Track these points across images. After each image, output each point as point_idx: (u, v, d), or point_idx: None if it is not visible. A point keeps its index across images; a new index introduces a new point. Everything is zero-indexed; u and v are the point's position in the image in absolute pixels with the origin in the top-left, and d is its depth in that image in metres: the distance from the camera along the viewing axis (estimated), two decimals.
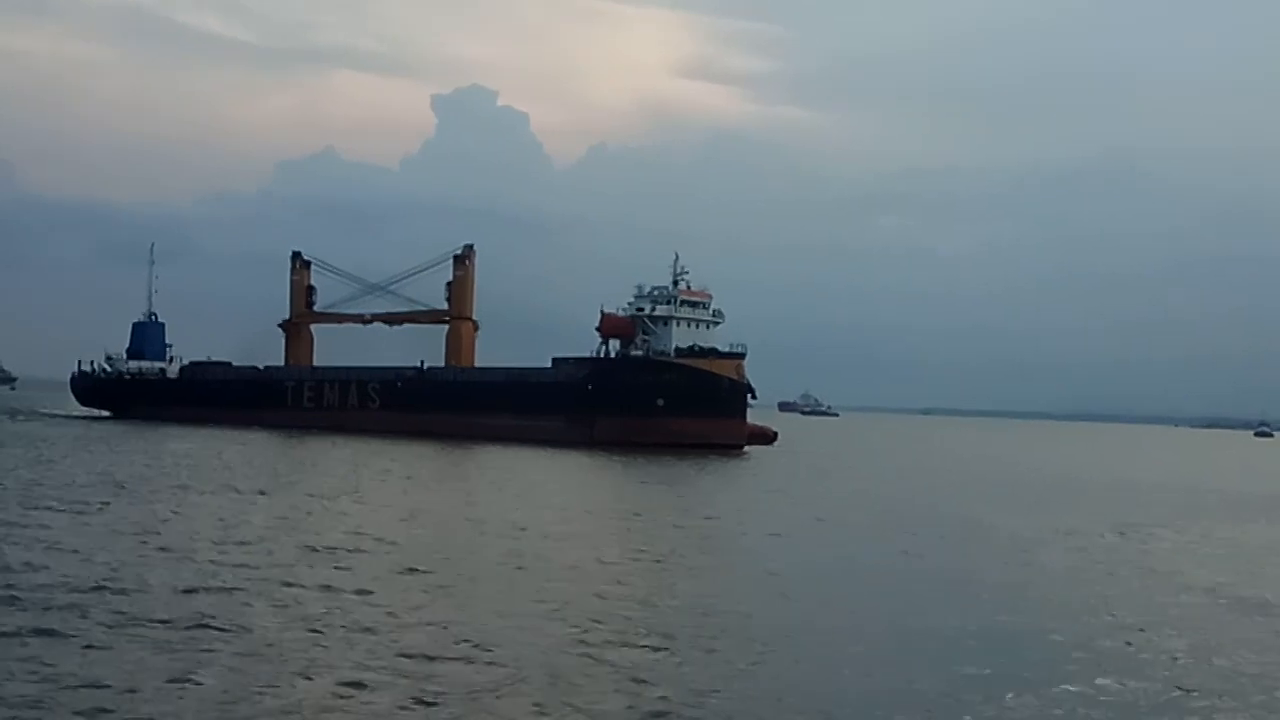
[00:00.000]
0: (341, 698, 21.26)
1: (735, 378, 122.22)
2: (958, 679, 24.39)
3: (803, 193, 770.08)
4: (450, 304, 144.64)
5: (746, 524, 53.95)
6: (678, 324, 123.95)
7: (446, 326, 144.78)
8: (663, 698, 22.18)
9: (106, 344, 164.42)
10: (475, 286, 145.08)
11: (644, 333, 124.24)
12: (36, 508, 45.85)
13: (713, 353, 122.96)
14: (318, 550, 38.04)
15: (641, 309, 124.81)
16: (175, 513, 46.56)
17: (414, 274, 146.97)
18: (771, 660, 25.97)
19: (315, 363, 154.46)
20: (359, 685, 21.99)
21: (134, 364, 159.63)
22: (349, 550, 38.35)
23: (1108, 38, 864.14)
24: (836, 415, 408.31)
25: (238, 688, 21.49)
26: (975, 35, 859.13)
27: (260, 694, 21.22)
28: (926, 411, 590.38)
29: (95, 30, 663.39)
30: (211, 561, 34.72)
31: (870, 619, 30.96)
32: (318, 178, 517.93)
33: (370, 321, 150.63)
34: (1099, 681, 24.48)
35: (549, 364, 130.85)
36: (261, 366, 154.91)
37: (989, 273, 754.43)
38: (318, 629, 26.41)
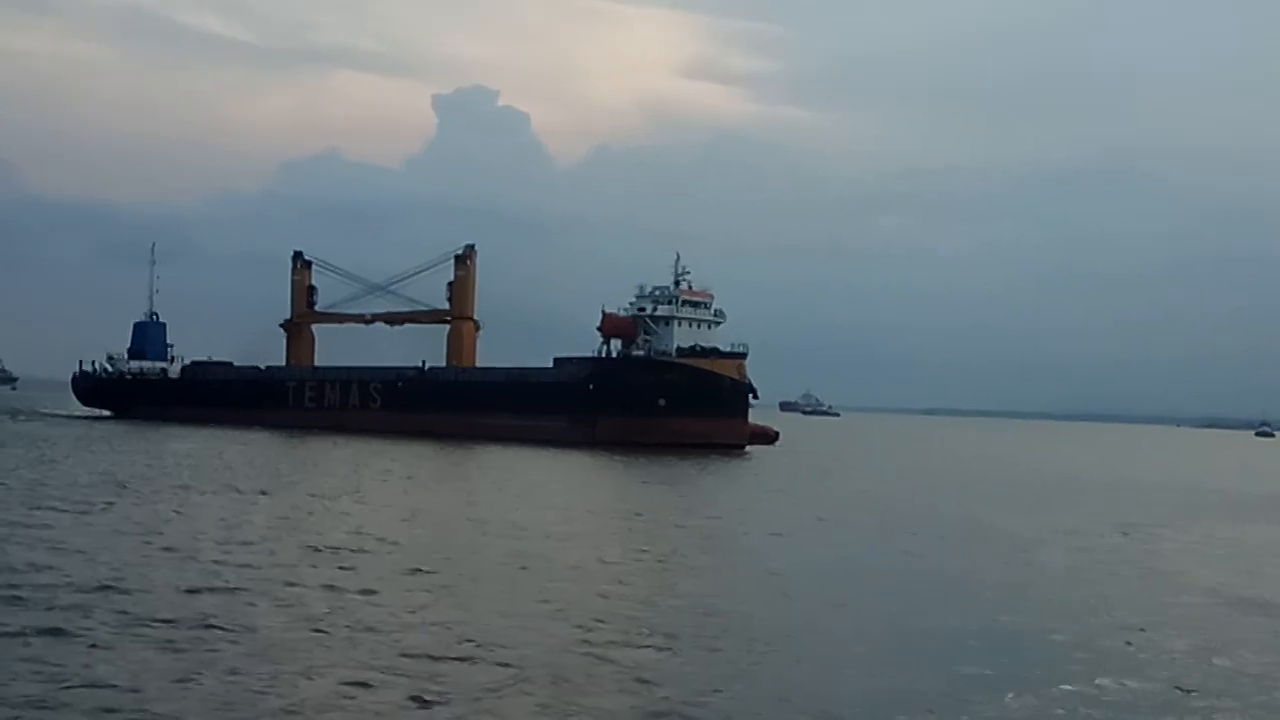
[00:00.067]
0: (346, 697, 21.32)
1: (737, 378, 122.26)
2: (959, 679, 24.46)
3: (803, 193, 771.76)
4: (452, 304, 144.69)
5: (748, 524, 54.00)
6: (679, 324, 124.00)
7: (448, 326, 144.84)
8: (666, 698, 22.25)
9: (108, 344, 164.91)
10: (477, 286, 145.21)
11: (645, 333, 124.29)
12: (40, 508, 45.93)
13: (714, 353, 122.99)
14: (320, 550, 38.10)
15: (643, 309, 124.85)
16: (178, 513, 46.63)
17: (415, 274, 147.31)
18: (774, 660, 26.05)
19: (317, 363, 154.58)
20: (363, 685, 22.06)
21: (135, 364, 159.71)
22: (352, 550, 38.41)
23: (1108, 38, 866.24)
24: (838, 415, 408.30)
25: (242, 688, 21.56)
26: (975, 35, 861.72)
27: (264, 693, 21.28)
28: (929, 412, 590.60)
29: (96, 30, 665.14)
30: (214, 561, 34.79)
31: (872, 619, 31.01)
32: (320, 178, 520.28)
33: (371, 321, 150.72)
34: (1099, 681, 24.53)
35: (550, 364, 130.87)
36: (263, 366, 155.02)
37: (989, 273, 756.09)
38: (321, 629, 26.48)
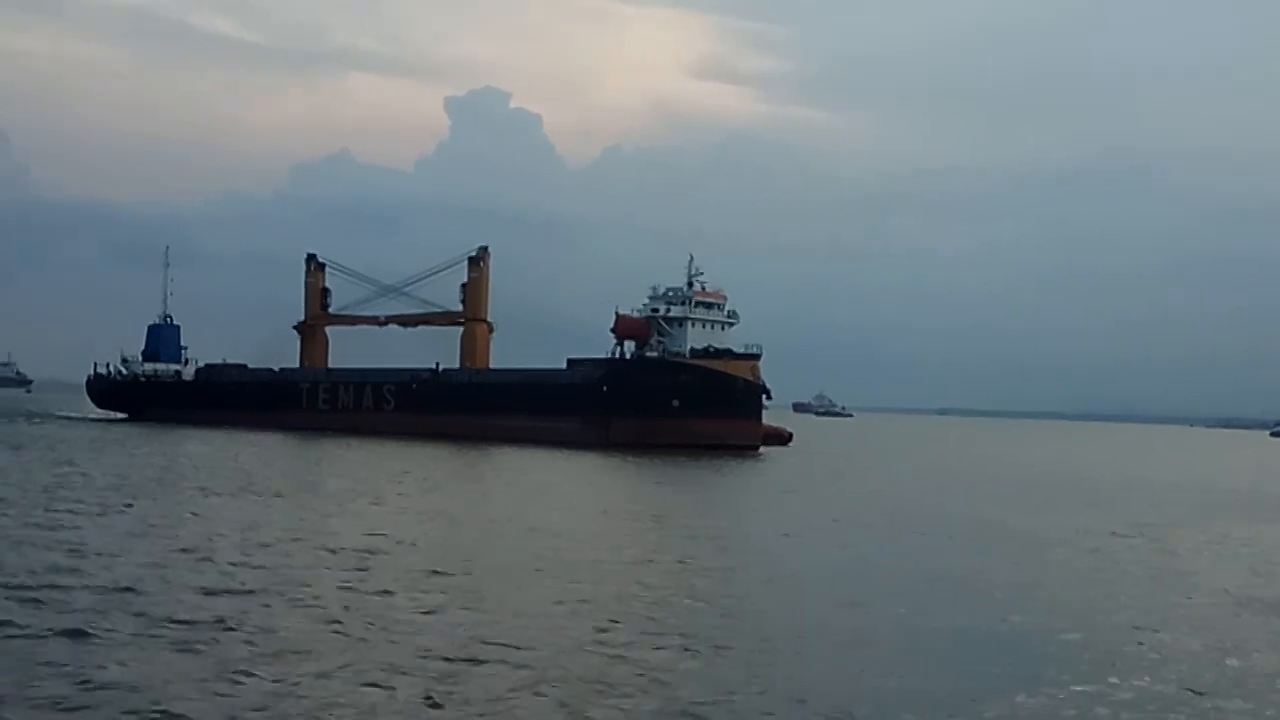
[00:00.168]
0: (364, 698, 21.45)
1: (750, 378, 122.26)
2: (971, 679, 24.55)
3: (807, 193, 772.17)
4: (465, 306, 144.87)
5: (763, 525, 54.12)
6: (693, 325, 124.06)
7: (461, 328, 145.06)
8: (684, 699, 22.34)
9: (120, 346, 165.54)
10: (490, 288, 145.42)
11: (659, 334, 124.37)
12: (58, 510, 46.20)
13: (728, 353, 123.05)
14: (336, 552, 38.28)
15: (656, 310, 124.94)
16: (194, 515, 46.84)
17: (429, 276, 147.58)
18: (790, 661, 26.16)
19: (330, 364, 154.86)
20: (381, 686, 22.20)
21: (149, 366, 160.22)
22: (368, 552, 38.53)
23: (1108, 37, 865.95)
24: (850, 416, 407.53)
25: (261, 689, 21.71)
26: (975, 35, 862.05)
27: (283, 694, 21.43)
28: (942, 412, 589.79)
29: (104, 31, 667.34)
30: (232, 563, 34.96)
31: (885, 619, 31.05)
32: (332, 179, 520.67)
33: (385, 323, 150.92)
34: (1111, 681, 24.61)
35: (564, 365, 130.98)
36: (277, 368, 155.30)
37: (990, 273, 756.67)
38: (339, 630, 26.64)
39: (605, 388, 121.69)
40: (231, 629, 26.17)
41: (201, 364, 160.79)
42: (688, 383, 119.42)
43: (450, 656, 24.61)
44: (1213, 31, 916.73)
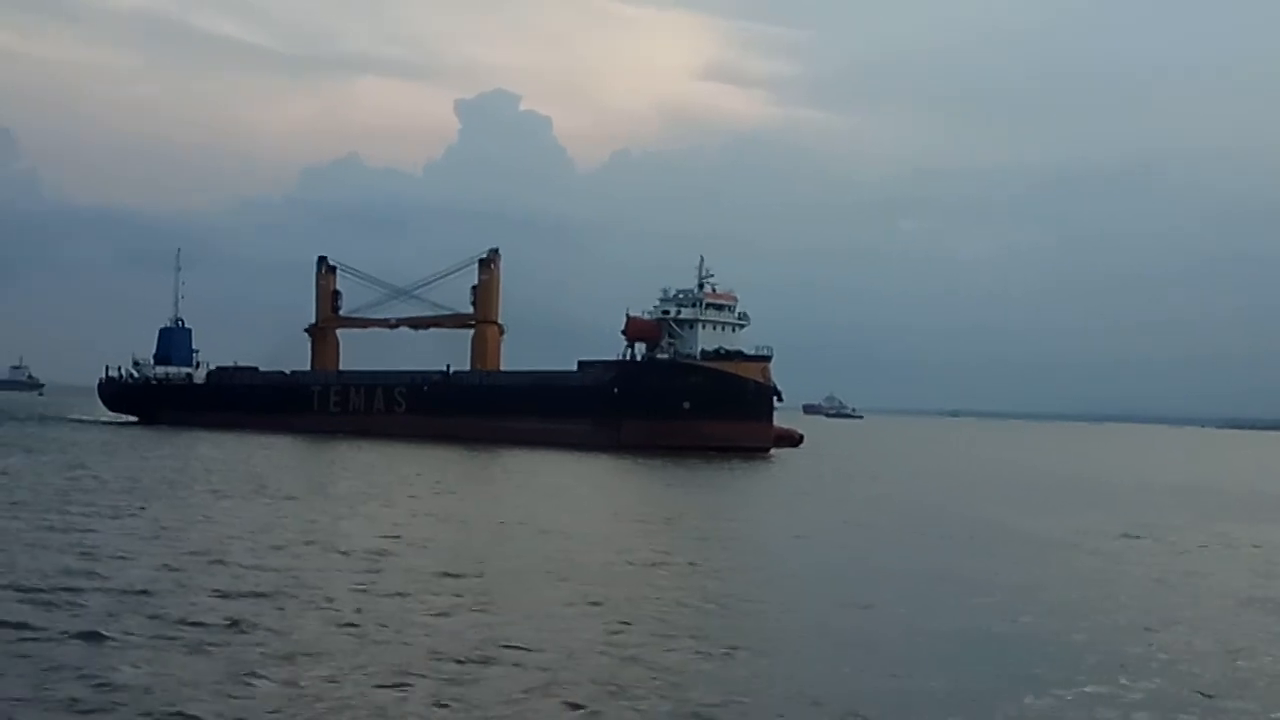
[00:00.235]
0: (377, 699, 21.49)
1: (761, 380, 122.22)
2: (980, 680, 24.63)
3: (823, 196, 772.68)
4: (476, 308, 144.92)
5: (775, 527, 54.20)
6: (703, 327, 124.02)
7: (472, 331, 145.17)
8: (696, 700, 22.39)
9: (132, 350, 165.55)
10: (501, 290, 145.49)
11: (670, 336, 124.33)
12: (72, 513, 46.34)
13: (738, 355, 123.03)
14: (349, 554, 38.37)
15: (667, 312, 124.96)
16: (208, 517, 46.95)
17: (439, 278, 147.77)
18: (803, 662, 26.23)
19: (341, 367, 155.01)
20: (394, 687, 22.24)
21: (161, 369, 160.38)
22: (380, 554, 38.64)
23: (1108, 38, 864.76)
24: (861, 418, 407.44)
25: (276, 690, 21.79)
26: (984, 38, 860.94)
27: (298, 696, 21.50)
28: (952, 413, 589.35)
29: (119, 37, 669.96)
30: (246, 566, 35.03)
31: (896, 621, 31.06)
32: (342, 183, 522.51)
33: (396, 326, 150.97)
34: (1120, 682, 24.63)
35: (574, 367, 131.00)
36: (288, 371, 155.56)
37: (1007, 275, 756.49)
38: (352, 632, 26.70)
39: (616, 390, 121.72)
40: (245, 631, 26.24)
41: (213, 367, 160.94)
42: (698, 385, 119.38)
43: (463, 658, 24.65)
44: (1213, 31, 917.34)
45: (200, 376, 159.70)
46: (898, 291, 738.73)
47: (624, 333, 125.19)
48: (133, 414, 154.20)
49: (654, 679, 23.63)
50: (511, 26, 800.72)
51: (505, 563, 38.43)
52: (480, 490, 69.23)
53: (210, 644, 24.96)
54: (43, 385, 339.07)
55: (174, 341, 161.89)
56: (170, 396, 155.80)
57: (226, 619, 27.18)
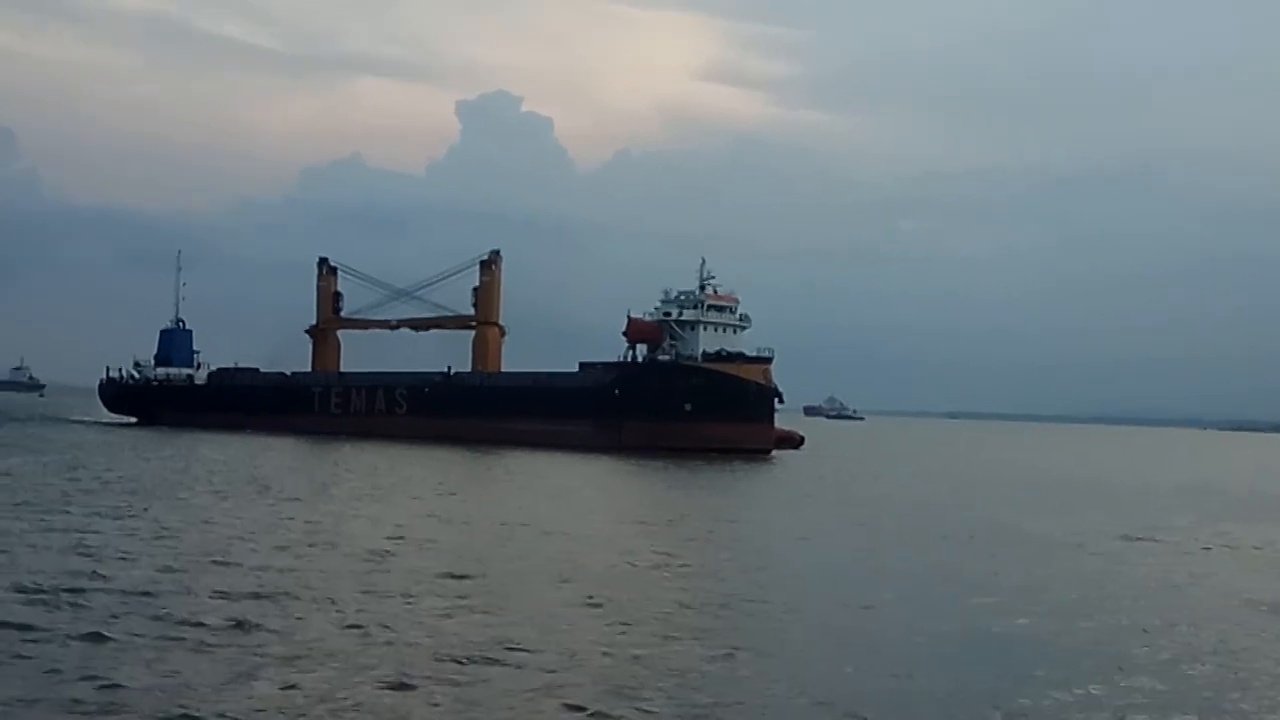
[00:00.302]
0: (383, 700, 21.49)
1: (762, 382, 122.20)
2: (984, 680, 24.67)
3: (823, 196, 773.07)
4: (477, 309, 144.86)
5: (777, 528, 54.15)
6: (704, 328, 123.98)
7: (473, 332, 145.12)
8: (700, 701, 22.43)
9: (133, 351, 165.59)
10: (502, 292, 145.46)
11: (671, 337, 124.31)
12: (77, 514, 46.37)
13: (740, 357, 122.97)
14: (353, 555, 38.39)
15: (668, 314, 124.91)
16: (211, 519, 46.90)
17: (440, 279, 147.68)
18: (808, 663, 26.25)
19: (342, 368, 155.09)
20: (399, 688, 22.25)
21: (162, 370, 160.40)
22: (384, 555, 38.70)
23: (1108, 38, 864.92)
24: (862, 419, 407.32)
25: (279, 691, 21.80)
26: (989, 39, 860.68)
27: (303, 696, 21.49)
28: (953, 415, 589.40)
29: (120, 37, 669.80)
30: (250, 567, 35.05)
31: (900, 622, 31.09)
32: (343, 184, 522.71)
33: (397, 327, 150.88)
34: (1123, 682, 24.68)
35: (576, 369, 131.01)
36: (289, 373, 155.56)
37: (1008, 276, 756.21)
38: (356, 633, 26.70)
39: (617, 391, 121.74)
40: (248, 632, 26.26)
41: (213, 368, 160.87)
42: (699, 386, 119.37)
43: (466, 659, 24.66)
44: (1213, 31, 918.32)
45: (201, 377, 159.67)
46: (897, 292, 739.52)
47: (625, 334, 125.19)
48: (133, 415, 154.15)
49: (657, 680, 23.64)
50: (512, 27, 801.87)
51: (508, 564, 38.43)
52: (482, 491, 69.23)
53: (214, 645, 24.97)
54: (43, 386, 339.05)
55: (175, 342, 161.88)
56: (171, 397, 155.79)
57: (230, 620, 27.18)
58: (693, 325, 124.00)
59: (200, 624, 26.71)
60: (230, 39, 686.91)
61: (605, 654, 25.76)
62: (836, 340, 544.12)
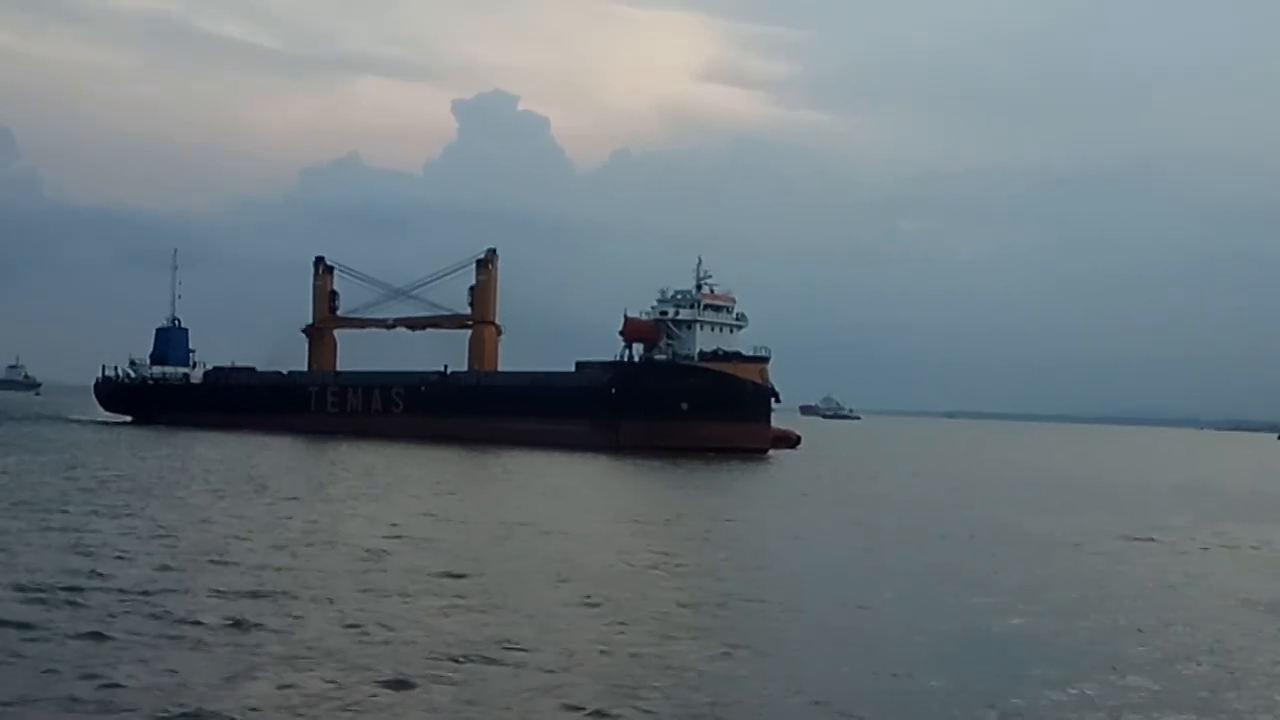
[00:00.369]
0: (382, 699, 21.50)
1: (759, 381, 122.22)
2: (983, 679, 24.67)
3: (823, 196, 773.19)
4: (473, 309, 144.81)
5: (773, 527, 54.26)
6: (701, 328, 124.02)
7: (470, 331, 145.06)
8: (699, 700, 22.45)
9: (130, 349, 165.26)
10: (498, 291, 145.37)
11: (668, 337, 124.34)
12: (73, 512, 46.42)
13: (736, 357, 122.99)
14: (351, 554, 38.41)
15: (665, 313, 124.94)
16: (209, 518, 46.88)
17: (437, 279, 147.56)
18: (805, 662, 26.30)
19: (339, 368, 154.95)
20: (397, 686, 22.26)
21: (158, 369, 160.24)
22: (382, 554, 38.70)
23: (1108, 38, 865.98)
24: (859, 419, 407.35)
25: (278, 690, 21.80)
26: (984, 38, 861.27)
27: (302, 695, 21.51)
28: (950, 415, 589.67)
29: (119, 37, 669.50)
30: (247, 566, 35.04)
31: (897, 621, 31.12)
32: (341, 183, 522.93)
33: (393, 326, 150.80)
34: (1121, 682, 24.69)
35: (572, 368, 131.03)
36: (285, 372, 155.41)
37: (1008, 276, 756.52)
38: (354, 632, 26.69)
39: (614, 390, 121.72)
40: (246, 631, 26.27)
41: (210, 367, 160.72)
42: (696, 386, 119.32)
43: (463, 658, 24.67)
44: (1213, 31, 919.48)
45: (197, 376, 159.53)
46: (897, 292, 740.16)
47: (622, 333, 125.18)
48: (129, 414, 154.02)
49: (655, 679, 23.64)
50: (510, 27, 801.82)
51: (505, 563, 38.44)
52: (479, 491, 69.21)
53: (212, 644, 25.00)
54: (39, 385, 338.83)
55: (171, 341, 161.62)
56: (167, 396, 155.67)
57: (228, 619, 27.18)
58: (689, 324, 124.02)
59: (198, 623, 26.72)
60: (230, 39, 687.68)
61: (603, 653, 25.79)
62: (836, 340, 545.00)
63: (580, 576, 35.76)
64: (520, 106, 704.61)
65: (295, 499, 55.75)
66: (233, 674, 22.56)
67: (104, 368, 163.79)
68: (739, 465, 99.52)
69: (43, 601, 28.48)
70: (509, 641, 26.14)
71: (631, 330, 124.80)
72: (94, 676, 22.06)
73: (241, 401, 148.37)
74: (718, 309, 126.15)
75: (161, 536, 40.71)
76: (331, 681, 22.31)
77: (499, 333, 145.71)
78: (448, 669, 23.66)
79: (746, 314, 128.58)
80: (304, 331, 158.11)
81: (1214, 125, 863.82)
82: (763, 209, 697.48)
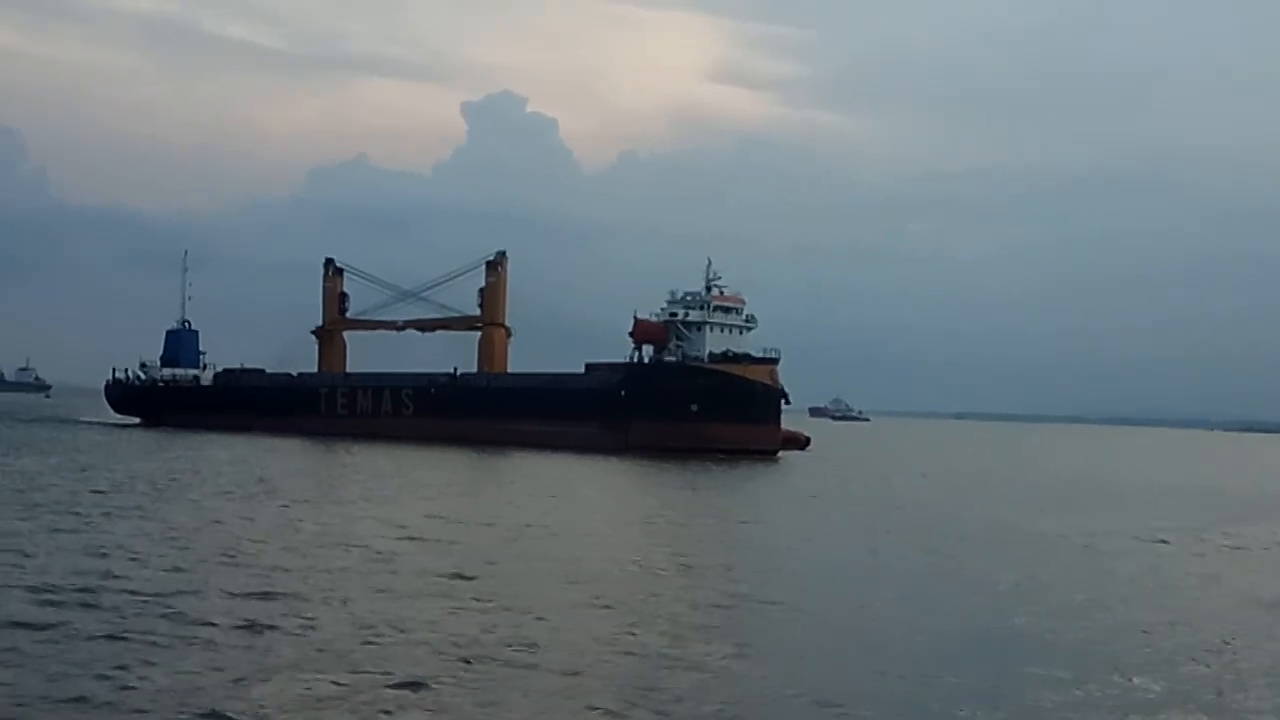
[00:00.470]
0: (396, 700, 21.58)
1: (769, 383, 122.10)
2: (984, 679, 24.75)
3: (827, 196, 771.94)
4: (483, 310, 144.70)
5: (785, 529, 54.33)
6: (711, 329, 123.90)
7: (479, 333, 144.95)
8: (710, 699, 22.55)
9: (139, 351, 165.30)
10: (508, 292, 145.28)
11: (677, 338, 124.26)
12: (86, 514, 46.56)
13: (746, 358, 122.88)
14: (363, 556, 38.53)
15: (675, 314, 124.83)
16: (221, 519, 47.00)
17: (447, 280, 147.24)
18: (816, 662, 26.36)
19: (348, 369, 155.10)
20: (410, 687, 22.37)
21: (168, 371, 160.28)
22: (394, 555, 38.81)
23: (1108, 38, 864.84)
24: (867, 420, 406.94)
25: (292, 690, 21.93)
26: (991, 38, 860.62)
27: (315, 695, 21.63)
28: (959, 416, 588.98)
29: (125, 38, 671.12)
30: (260, 567, 35.22)
31: (909, 622, 31.20)
32: (350, 184, 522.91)
33: (403, 328, 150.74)
34: (1128, 682, 24.77)
35: (582, 370, 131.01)
36: (295, 373, 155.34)
37: (1010, 276, 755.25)
38: (367, 633, 26.79)
39: (623, 392, 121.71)
40: (260, 632, 26.40)
41: (220, 369, 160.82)
42: (706, 387, 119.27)
43: (478, 659, 24.76)
44: (1213, 31, 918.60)
45: (207, 378, 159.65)
46: (899, 292, 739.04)
47: (631, 335, 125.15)
48: (140, 416, 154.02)
49: (667, 680, 23.75)
50: (514, 27, 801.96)
51: (517, 565, 38.51)
52: (489, 493, 69.28)
53: (224, 645, 25.11)
54: (50, 387, 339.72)
55: (181, 343, 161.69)
56: (177, 398, 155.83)
57: (240, 620, 27.32)
58: (699, 326, 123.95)
59: (211, 624, 26.86)
60: (234, 39, 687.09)
61: (615, 654, 25.89)
62: (839, 340, 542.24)
63: (591, 578, 35.84)
64: (529, 108, 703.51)
65: (306, 501, 55.88)
66: (246, 675, 22.67)
67: (114, 370, 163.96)
68: (749, 467, 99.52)
69: (56, 603, 28.60)
70: (521, 643, 26.24)
71: (641, 332, 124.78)
72: (107, 678, 22.18)
73: (251, 403, 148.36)
74: (727, 310, 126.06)
75: (174, 538, 40.85)
76: (344, 684, 22.40)
77: (508, 334, 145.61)
78: (460, 670, 23.75)
79: (755, 315, 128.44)
80: (313, 333, 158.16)
81: (1214, 125, 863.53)
82: (767, 209, 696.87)
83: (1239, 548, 52.29)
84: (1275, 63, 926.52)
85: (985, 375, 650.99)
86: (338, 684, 22.30)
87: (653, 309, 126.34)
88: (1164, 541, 52.54)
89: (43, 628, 25.79)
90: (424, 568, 36.50)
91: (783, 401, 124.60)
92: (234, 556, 37.06)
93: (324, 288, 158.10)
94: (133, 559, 35.67)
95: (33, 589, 30.10)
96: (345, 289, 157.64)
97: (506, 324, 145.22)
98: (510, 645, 25.96)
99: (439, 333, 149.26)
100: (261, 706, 20.75)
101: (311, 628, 27.01)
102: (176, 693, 21.34)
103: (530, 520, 50.73)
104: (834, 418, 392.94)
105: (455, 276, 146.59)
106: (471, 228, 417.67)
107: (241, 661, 23.70)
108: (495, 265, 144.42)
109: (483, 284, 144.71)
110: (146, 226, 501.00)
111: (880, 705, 22.72)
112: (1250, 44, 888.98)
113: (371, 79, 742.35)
